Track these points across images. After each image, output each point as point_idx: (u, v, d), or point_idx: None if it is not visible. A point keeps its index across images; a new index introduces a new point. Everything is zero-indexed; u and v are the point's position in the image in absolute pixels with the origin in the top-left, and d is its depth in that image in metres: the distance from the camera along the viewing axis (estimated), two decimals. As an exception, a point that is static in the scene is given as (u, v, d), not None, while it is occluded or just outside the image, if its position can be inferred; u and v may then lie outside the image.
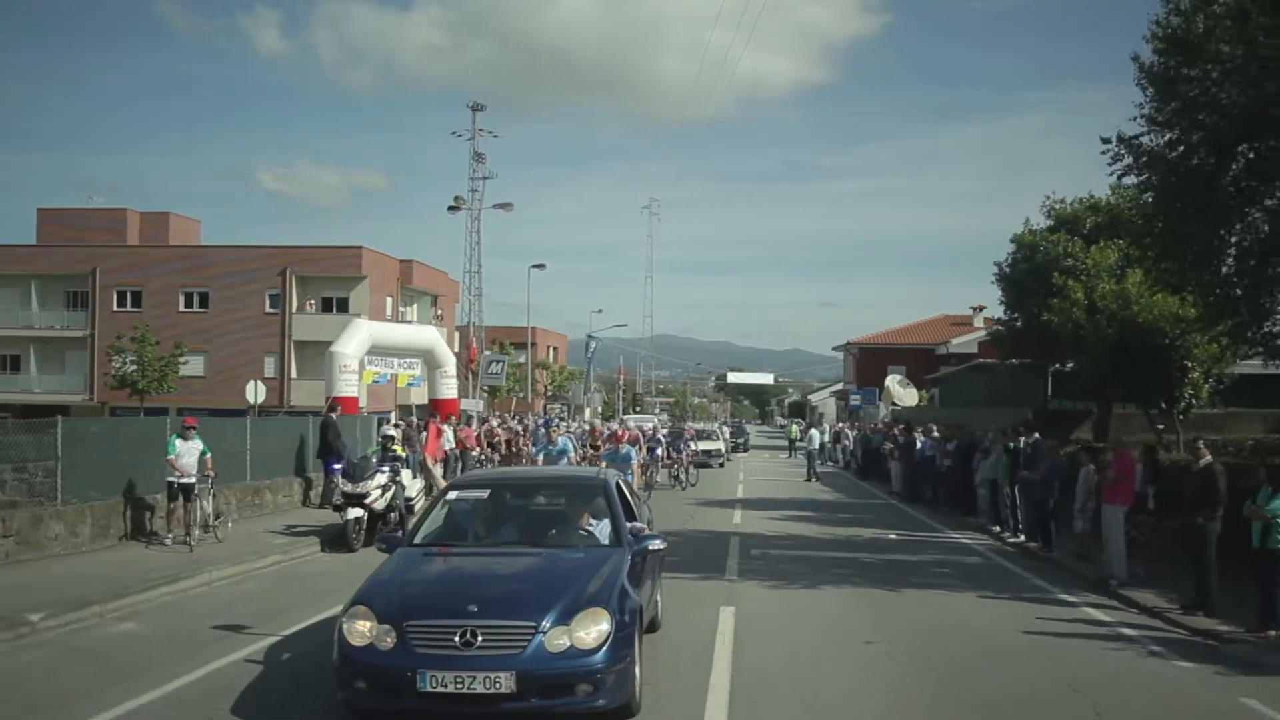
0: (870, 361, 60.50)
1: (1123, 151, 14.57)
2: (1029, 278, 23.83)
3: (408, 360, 37.25)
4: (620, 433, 24.70)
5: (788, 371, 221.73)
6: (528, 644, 6.78)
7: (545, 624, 6.84)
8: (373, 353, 33.55)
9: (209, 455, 15.15)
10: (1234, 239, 14.05)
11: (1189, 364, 19.34)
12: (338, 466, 17.99)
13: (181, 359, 46.13)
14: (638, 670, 7.35)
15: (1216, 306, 15.10)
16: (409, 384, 38.75)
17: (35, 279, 54.93)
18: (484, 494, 9.39)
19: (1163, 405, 20.54)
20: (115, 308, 53.56)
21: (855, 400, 55.52)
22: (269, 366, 52.53)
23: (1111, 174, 15.08)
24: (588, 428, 32.84)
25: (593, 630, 6.89)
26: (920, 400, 48.87)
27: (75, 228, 57.02)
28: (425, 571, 7.94)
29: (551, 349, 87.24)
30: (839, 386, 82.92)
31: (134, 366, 44.57)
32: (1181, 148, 14.05)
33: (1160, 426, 21.36)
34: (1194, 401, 20.27)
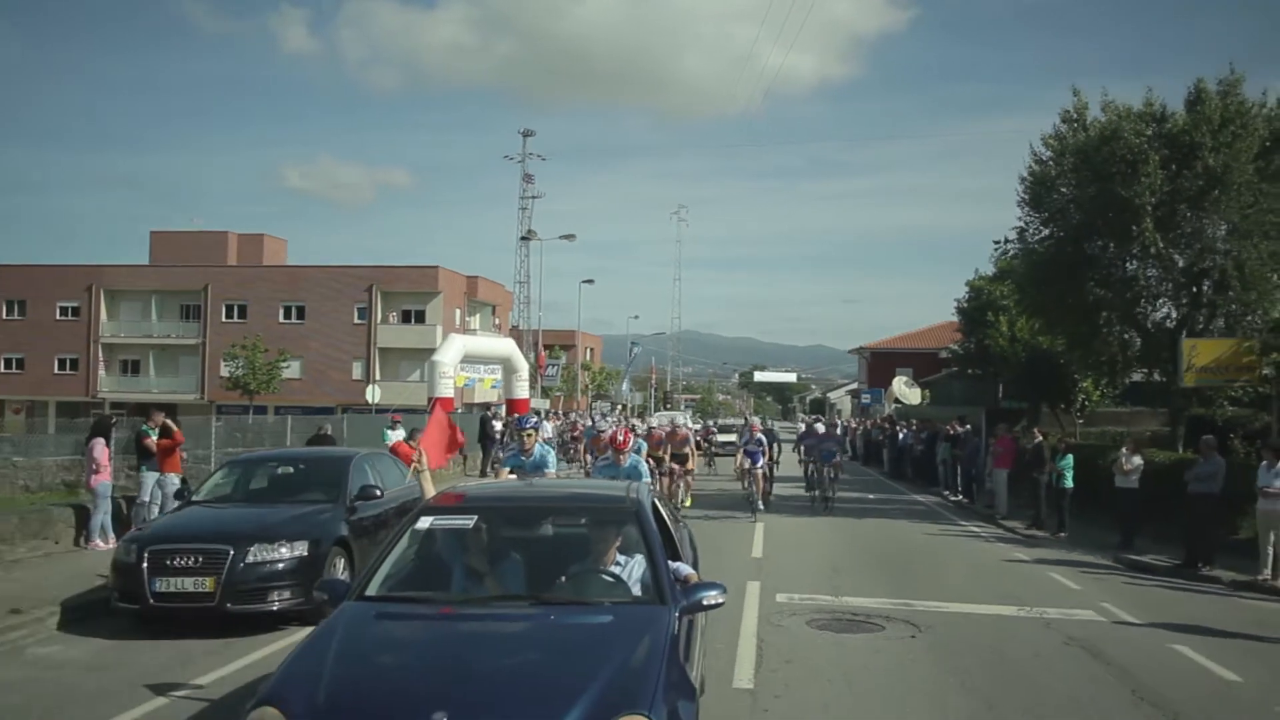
0: (880, 364, 68.18)
1: (1007, 245, 22.96)
2: (976, 312, 32.20)
3: (491, 366, 45.80)
4: (658, 433, 23.28)
5: (810, 368, 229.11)
6: None
7: None
8: (464, 361, 41.94)
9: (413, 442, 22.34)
10: (1071, 302, 22.14)
11: (1077, 377, 27.43)
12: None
13: (284, 364, 54.52)
14: None
15: (1077, 344, 23.40)
16: (492, 386, 47.20)
17: (155, 294, 63.56)
18: (469, 521, 6.43)
19: (1062, 406, 28.76)
20: (224, 319, 62.09)
21: (865, 399, 63.46)
22: (356, 370, 61.08)
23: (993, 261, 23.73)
24: (652, 427, 29.25)
25: None
26: (923, 399, 56.67)
27: (184, 248, 65.64)
28: (374, 645, 5.29)
29: (589, 350, 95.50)
30: (854, 386, 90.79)
31: (244, 370, 52.98)
32: (1044, 243, 22.37)
33: (1079, 421, 29.46)
34: (1086, 404, 28.47)
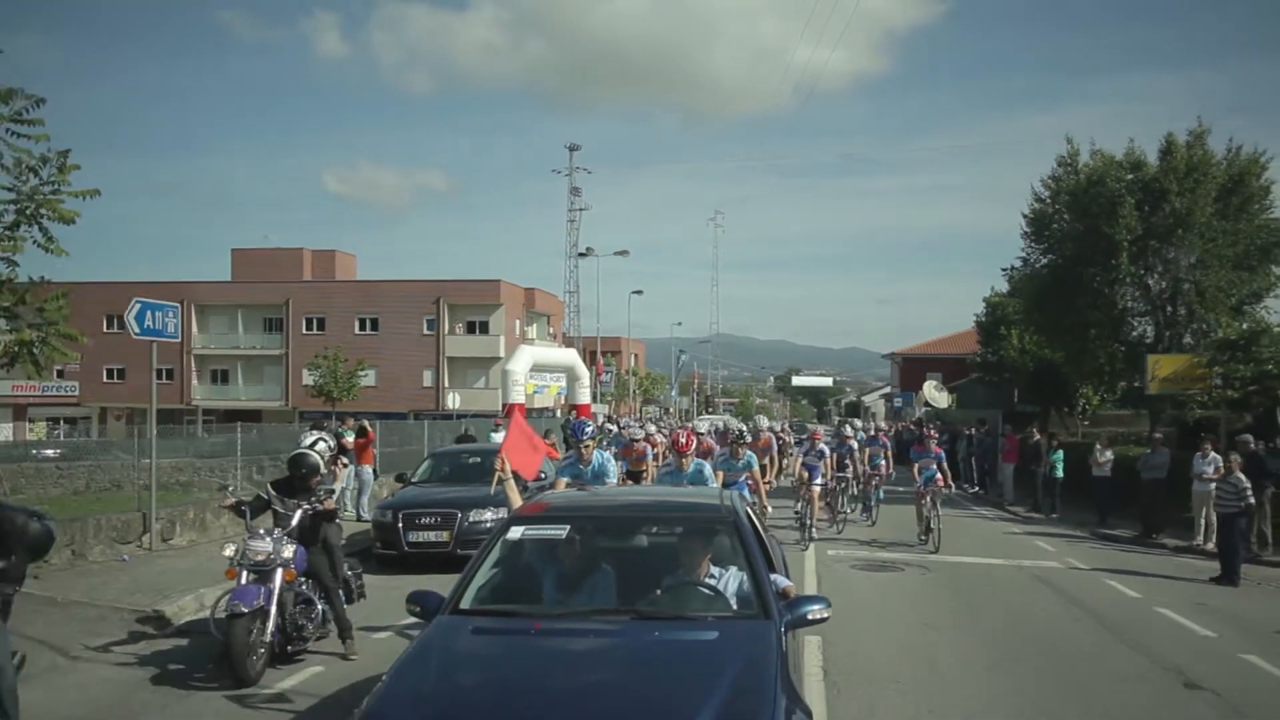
0: (911, 368, 72.29)
1: (1014, 270, 27.48)
2: (991, 325, 36.69)
3: (556, 374, 50.58)
4: (766, 438, 19.36)
5: (846, 370, 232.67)
6: None
7: None
8: (533, 370, 46.76)
9: None
10: (1066, 321, 26.54)
11: (1078, 384, 31.74)
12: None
13: (362, 373, 59.39)
14: None
15: (1072, 357, 27.84)
16: (559, 393, 51.97)
17: (240, 308, 68.75)
18: (561, 531, 6.17)
19: (1066, 409, 33.11)
20: (304, 331, 67.11)
21: (898, 402, 67.70)
22: (426, 378, 65.99)
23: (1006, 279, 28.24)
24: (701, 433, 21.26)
25: None
26: (951, 402, 60.85)
27: (263, 264, 70.78)
28: (474, 662, 5.19)
29: (634, 355, 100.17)
30: (888, 389, 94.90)
31: (326, 379, 57.87)
32: (1043, 270, 26.81)
33: (1085, 422, 33.76)
34: (1086, 408, 32.84)
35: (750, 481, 13.69)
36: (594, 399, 64.56)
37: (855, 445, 20.25)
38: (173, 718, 7.66)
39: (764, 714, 4.32)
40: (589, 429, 11.09)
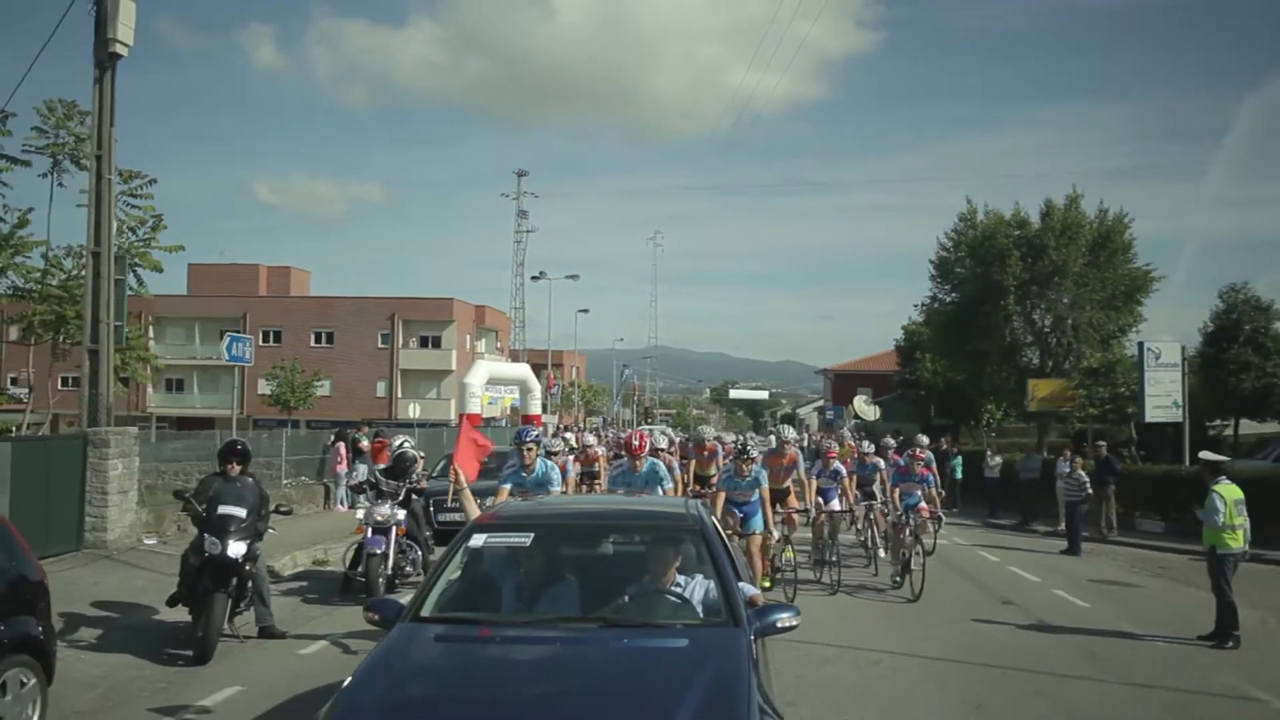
0: (842, 384, 76.95)
1: (924, 306, 32.02)
2: (909, 350, 41.50)
3: (510, 387, 54.48)
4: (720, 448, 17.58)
5: (781, 383, 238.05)
6: None
7: None
8: (489, 382, 50.69)
9: None
10: (967, 349, 31.17)
11: (982, 401, 36.41)
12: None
13: (318, 383, 62.74)
14: None
15: (972, 380, 32.48)
16: (513, 405, 55.81)
17: (198, 320, 71.66)
18: (525, 539, 6.05)
19: (973, 423, 37.82)
20: (261, 343, 70.09)
21: (829, 415, 72.39)
22: (380, 389, 69.41)
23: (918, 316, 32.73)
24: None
25: None
26: (878, 416, 65.58)
27: (220, 279, 73.72)
28: (438, 670, 5.05)
29: (575, 369, 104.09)
30: (821, 402, 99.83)
31: (283, 388, 61.12)
32: (947, 307, 31.41)
33: (993, 435, 38.50)
34: (990, 421, 37.54)
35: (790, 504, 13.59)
36: (544, 410, 68.56)
37: (841, 470, 15.65)
38: (334, 620, 11.49)
39: (739, 718, 4.25)
40: (532, 433, 10.94)
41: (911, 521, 13.92)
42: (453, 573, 5.97)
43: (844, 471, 15.55)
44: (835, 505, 14.94)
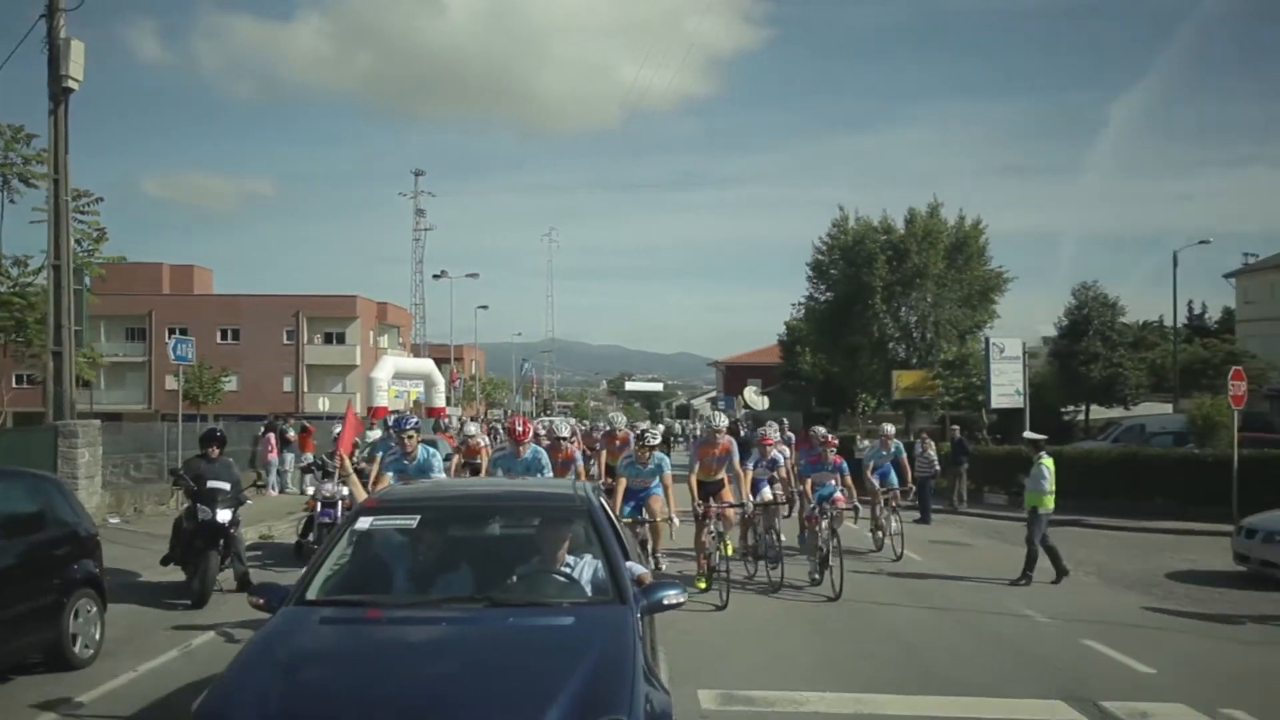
0: (734, 375, 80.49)
1: (802, 304, 35.06)
2: (791, 344, 44.74)
3: (415, 381, 56.48)
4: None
5: (677, 375, 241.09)
6: None
7: None
8: (395, 377, 52.70)
9: None
10: (841, 344, 34.30)
11: (857, 391, 39.66)
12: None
13: (225, 379, 63.89)
14: None
15: (845, 372, 35.63)
16: (417, 399, 57.72)
17: (103, 319, 71.85)
18: (412, 521, 6.12)
19: (849, 411, 41.10)
20: (167, 339, 70.83)
21: (721, 405, 75.53)
22: (286, 384, 70.67)
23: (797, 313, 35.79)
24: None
25: None
26: (766, 405, 68.88)
27: (124, 278, 74.02)
28: (322, 653, 5.00)
29: (474, 363, 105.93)
30: (714, 393, 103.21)
31: (190, 384, 62.17)
32: (823, 305, 34.49)
33: (869, 421, 41.82)
34: (865, 409, 40.84)
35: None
36: (448, 403, 70.50)
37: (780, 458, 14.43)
38: (292, 578, 13.71)
39: (623, 696, 4.25)
40: (412, 421, 11.06)
41: (828, 513, 12.94)
42: (339, 556, 5.95)
43: (781, 460, 14.35)
44: (768, 495, 13.64)
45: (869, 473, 16.78)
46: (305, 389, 70.63)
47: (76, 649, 8.75)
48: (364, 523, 6.08)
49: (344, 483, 10.19)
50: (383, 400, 50.50)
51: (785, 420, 20.60)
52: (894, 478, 17.18)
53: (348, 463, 11.47)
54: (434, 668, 4.68)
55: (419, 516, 6.16)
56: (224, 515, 11.97)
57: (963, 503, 24.74)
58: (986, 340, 27.07)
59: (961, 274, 32.47)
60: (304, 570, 5.90)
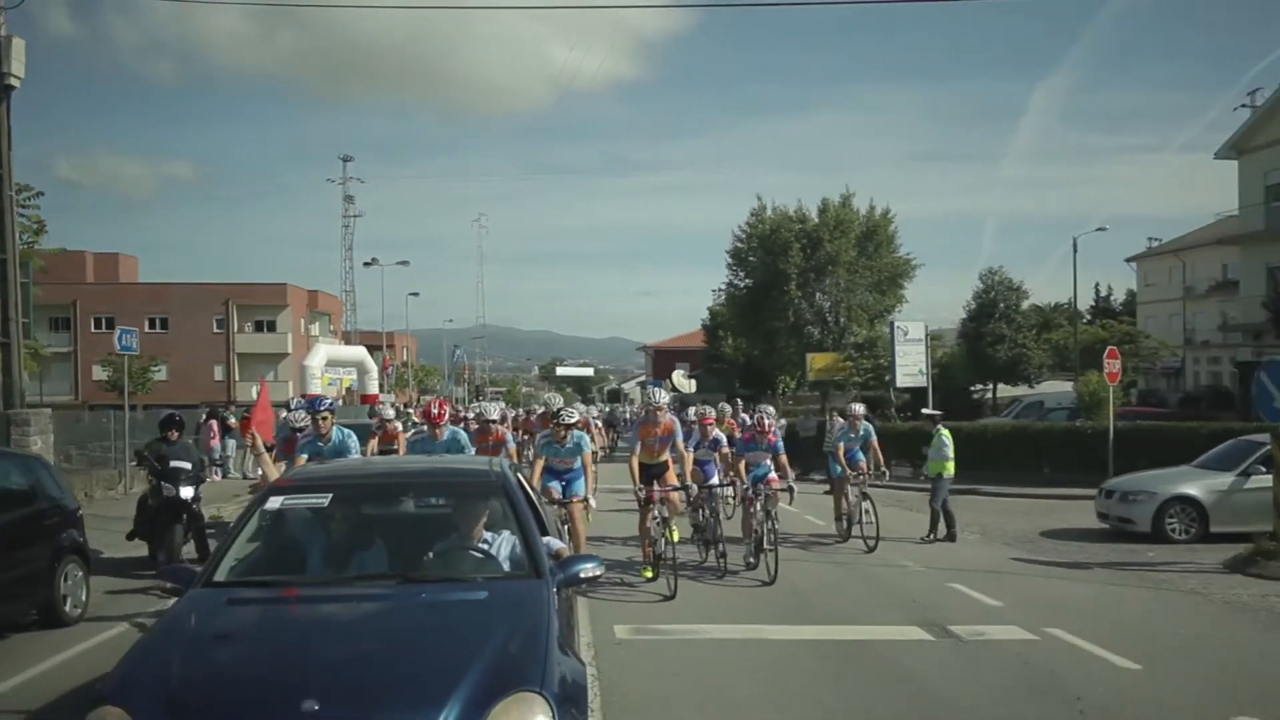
0: (662, 359, 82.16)
1: (722, 290, 36.65)
2: (714, 328, 46.41)
3: (348, 369, 57.28)
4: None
5: (608, 359, 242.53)
6: None
7: None
8: (328, 364, 53.53)
9: None
10: (760, 329, 35.95)
11: (777, 373, 41.39)
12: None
13: (154, 368, 64.06)
14: None
15: (764, 355, 37.30)
16: (350, 386, 58.50)
17: (27, 309, 71.63)
18: (324, 499, 6.05)
19: (769, 392, 42.84)
20: (93, 329, 70.71)
21: (649, 388, 77.24)
22: (217, 372, 70.88)
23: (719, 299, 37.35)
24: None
25: None
26: (693, 388, 70.61)
27: (48, 268, 73.72)
28: (228, 634, 4.85)
29: (406, 349, 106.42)
30: (644, 377, 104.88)
31: (118, 374, 62.28)
32: (742, 291, 36.10)
33: (790, 402, 43.63)
34: (785, 390, 42.59)
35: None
36: (381, 390, 71.27)
37: (722, 438, 14.29)
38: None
39: (535, 667, 4.24)
40: (326, 402, 11.05)
41: (762, 494, 12.37)
42: (249, 537, 5.85)
43: (724, 440, 14.12)
44: (715, 479, 13.30)
45: (839, 455, 15.50)
46: (237, 378, 70.99)
47: (67, 608, 9.94)
48: (274, 502, 6.03)
49: (258, 462, 9.56)
50: (316, 388, 51.27)
51: (739, 401, 20.37)
52: (861, 460, 15.93)
53: (259, 441, 11.25)
54: (342, 646, 4.61)
55: (331, 495, 6.11)
56: (187, 492, 13.11)
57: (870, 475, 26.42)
58: (892, 324, 28.84)
59: (872, 261, 34.43)
60: (216, 549, 5.91)
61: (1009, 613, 9.99)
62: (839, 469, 15.45)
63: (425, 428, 11.94)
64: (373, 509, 6.39)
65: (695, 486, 12.86)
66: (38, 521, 10.00)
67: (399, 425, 17.04)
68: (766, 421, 12.91)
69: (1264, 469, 14.62)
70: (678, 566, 11.04)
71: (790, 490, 13.08)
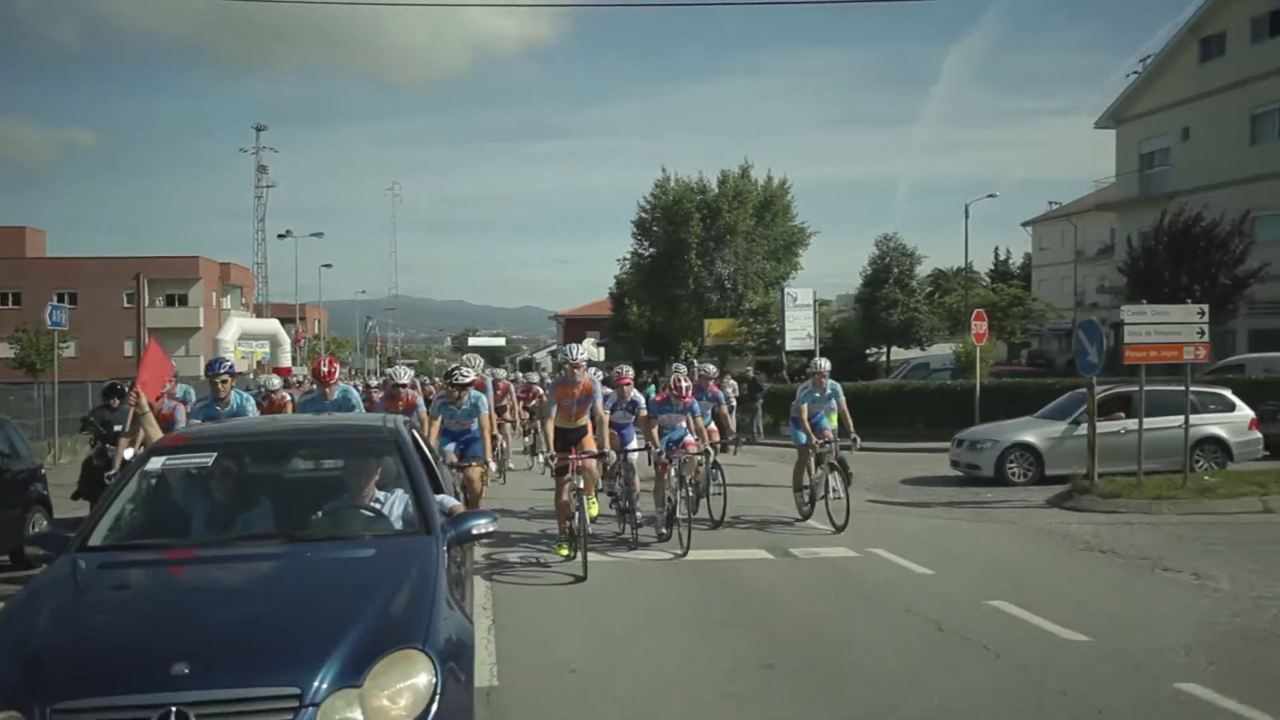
0: (573, 328, 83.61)
1: (626, 259, 38.44)
2: (621, 297, 48.38)
3: (261, 341, 58.16)
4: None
5: (521, 329, 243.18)
6: None
7: (317, 685, 3.82)
8: (241, 337, 54.41)
9: None
10: (663, 296, 37.81)
11: (679, 340, 43.32)
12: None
13: (63, 345, 64.01)
14: None
15: (670, 321, 39.19)
16: (263, 359, 59.29)
17: (-74, 286, 70.90)
18: (207, 459, 5.84)
19: (673, 358, 44.77)
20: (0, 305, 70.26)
21: (559, 358, 78.76)
22: (128, 348, 70.85)
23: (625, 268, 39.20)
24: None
25: (403, 690, 3.94)
26: (605, 356, 72.44)
27: (-52, 244, 72.92)
28: (98, 599, 4.70)
29: (318, 321, 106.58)
30: (555, 347, 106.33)
31: (26, 351, 62.23)
32: (646, 260, 37.90)
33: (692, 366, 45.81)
34: (687, 356, 44.55)
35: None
36: (294, 362, 71.81)
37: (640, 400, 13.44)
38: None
39: (419, 625, 4.15)
40: (226, 364, 10.69)
41: (676, 460, 11.71)
42: (128, 499, 5.65)
43: (641, 402, 13.27)
44: (633, 444, 12.63)
45: (803, 419, 13.23)
46: (148, 352, 71.14)
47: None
48: (155, 463, 5.81)
49: (142, 423, 9.72)
50: (230, 361, 52.02)
51: (694, 363, 18.81)
52: (828, 426, 13.48)
53: (144, 400, 10.56)
54: (219, 608, 4.47)
55: (215, 454, 5.91)
56: (129, 454, 14.50)
57: (760, 434, 28.43)
58: (782, 291, 30.83)
59: (769, 230, 36.51)
60: (91, 514, 5.71)
61: (843, 539, 11.77)
62: (803, 436, 13.23)
63: (315, 387, 11.45)
64: (259, 468, 6.28)
65: (614, 454, 11.74)
66: (11, 476, 11.39)
67: (286, 395, 15.68)
68: (684, 384, 12.30)
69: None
70: (588, 542, 10.09)
71: (707, 454, 12.62)
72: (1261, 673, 6.60)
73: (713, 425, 14.13)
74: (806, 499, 13.42)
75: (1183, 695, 6.09)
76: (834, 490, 12.60)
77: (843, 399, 13.50)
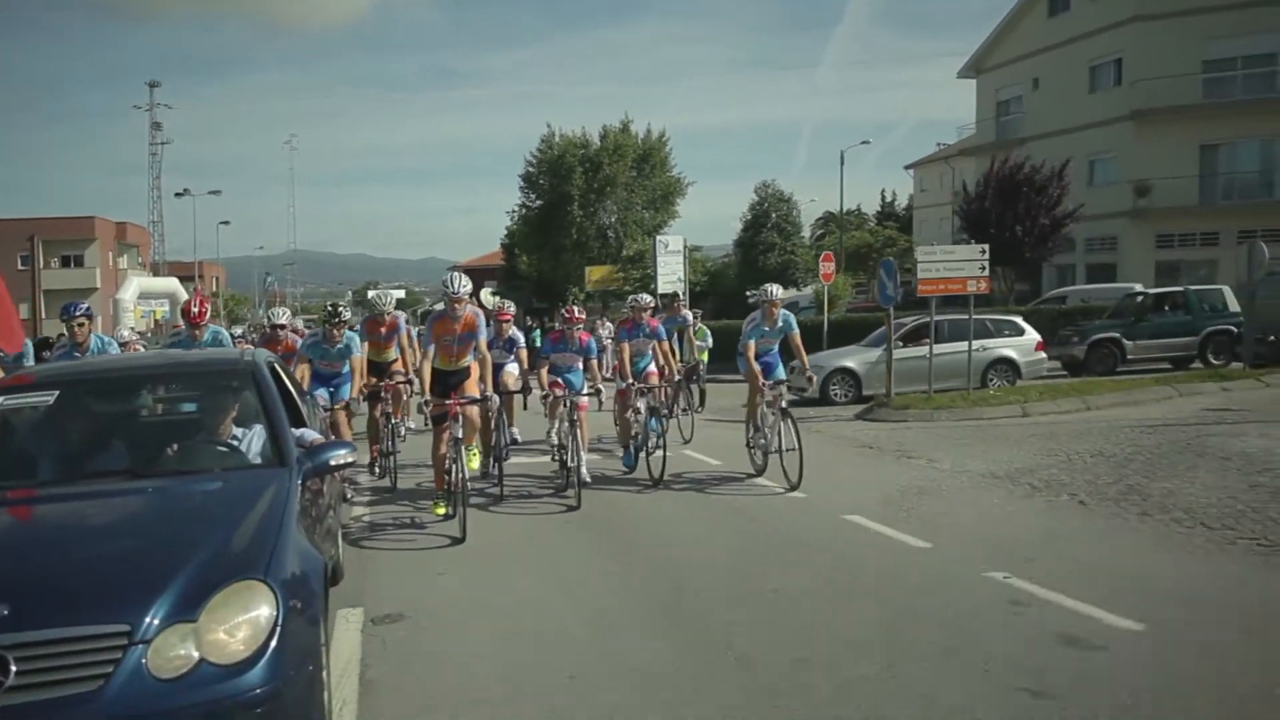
0: (473, 278, 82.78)
1: (515, 211, 40.79)
2: (511, 248, 50.88)
3: (160, 300, 59.07)
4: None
5: (423, 281, 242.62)
6: (115, 668, 3.57)
7: (149, 622, 3.66)
8: (140, 297, 55.45)
9: None
10: (549, 245, 40.13)
11: (566, 286, 45.74)
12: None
13: (-44, 309, 64.21)
14: (327, 692, 4.41)
15: (556, 269, 41.60)
16: (163, 317, 60.13)
17: None
18: (48, 397, 5.66)
19: (561, 304, 47.28)
20: (-108, 271, 69.76)
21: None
22: (24, 311, 70.95)
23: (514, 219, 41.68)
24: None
25: (241, 624, 3.78)
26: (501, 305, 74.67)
27: None
28: None
29: (215, 279, 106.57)
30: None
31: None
32: (534, 211, 40.20)
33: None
34: (572, 303, 47.06)
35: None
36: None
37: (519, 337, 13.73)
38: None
39: (261, 557, 4.00)
40: (82, 307, 10.12)
41: (643, 392, 11.35)
42: None
43: (520, 339, 13.28)
44: (513, 373, 12.72)
45: (750, 357, 11.47)
46: (44, 316, 71.23)
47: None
48: None
49: None
50: (130, 321, 53.10)
51: (649, 297, 17.90)
52: (781, 370, 11.97)
53: None
54: (53, 546, 4.36)
55: (57, 392, 5.72)
56: None
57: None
58: (654, 238, 33.27)
59: (648, 180, 39.16)
60: None
61: (717, 467, 12.69)
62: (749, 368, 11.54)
63: (184, 328, 10.82)
64: (108, 406, 6.07)
65: (497, 398, 10.47)
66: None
67: (141, 349, 14.38)
68: (646, 312, 11.98)
69: (902, 344, 19.64)
70: (468, 498, 9.02)
71: (669, 388, 12.45)
72: (912, 509, 9.51)
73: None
74: (761, 454, 11.57)
75: (850, 524, 8.88)
76: (790, 448, 10.75)
77: (796, 331, 11.87)
